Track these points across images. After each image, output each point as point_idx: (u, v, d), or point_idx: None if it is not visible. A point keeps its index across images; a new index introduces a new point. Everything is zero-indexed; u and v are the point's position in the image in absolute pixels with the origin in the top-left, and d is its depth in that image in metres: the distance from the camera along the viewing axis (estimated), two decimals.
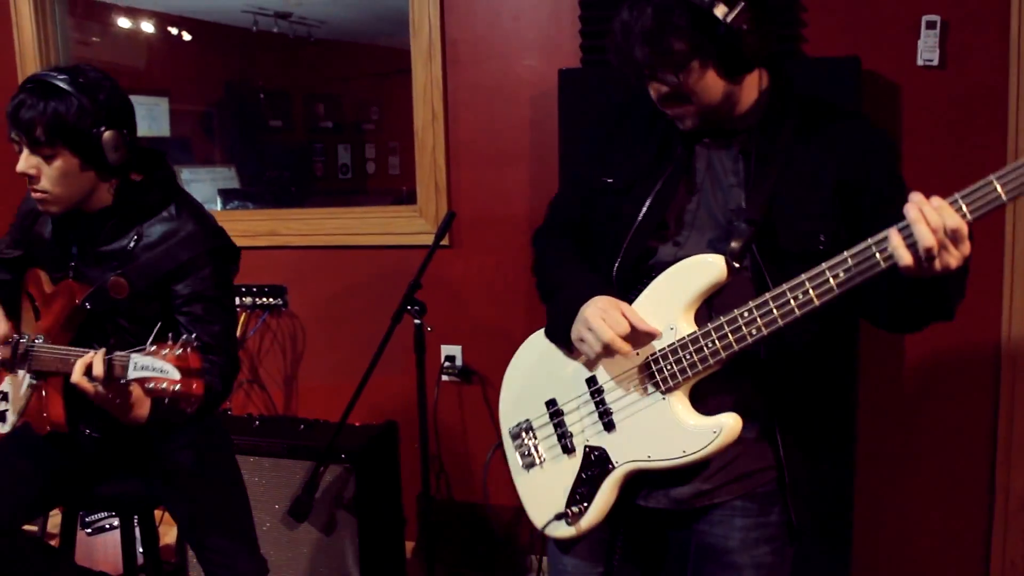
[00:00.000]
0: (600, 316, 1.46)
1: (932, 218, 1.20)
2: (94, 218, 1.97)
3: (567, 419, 1.60)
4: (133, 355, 1.62)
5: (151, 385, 1.59)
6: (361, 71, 6.86)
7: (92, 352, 1.73)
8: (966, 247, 1.23)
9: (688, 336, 1.44)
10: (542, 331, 1.68)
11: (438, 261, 2.52)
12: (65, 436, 1.98)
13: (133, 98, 1.97)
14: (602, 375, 1.56)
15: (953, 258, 1.22)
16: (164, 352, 1.58)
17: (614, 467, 1.53)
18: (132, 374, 1.62)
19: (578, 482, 1.56)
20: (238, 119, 6.83)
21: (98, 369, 1.69)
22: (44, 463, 2.05)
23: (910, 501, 2.60)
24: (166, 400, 1.61)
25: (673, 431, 1.47)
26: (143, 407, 1.78)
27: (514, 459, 1.68)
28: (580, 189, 1.71)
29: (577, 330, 1.51)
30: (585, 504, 1.55)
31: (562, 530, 1.58)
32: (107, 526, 3.04)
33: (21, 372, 2.02)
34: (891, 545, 2.63)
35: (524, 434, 1.66)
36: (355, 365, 2.58)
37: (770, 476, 1.53)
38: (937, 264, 1.22)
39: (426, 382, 2.50)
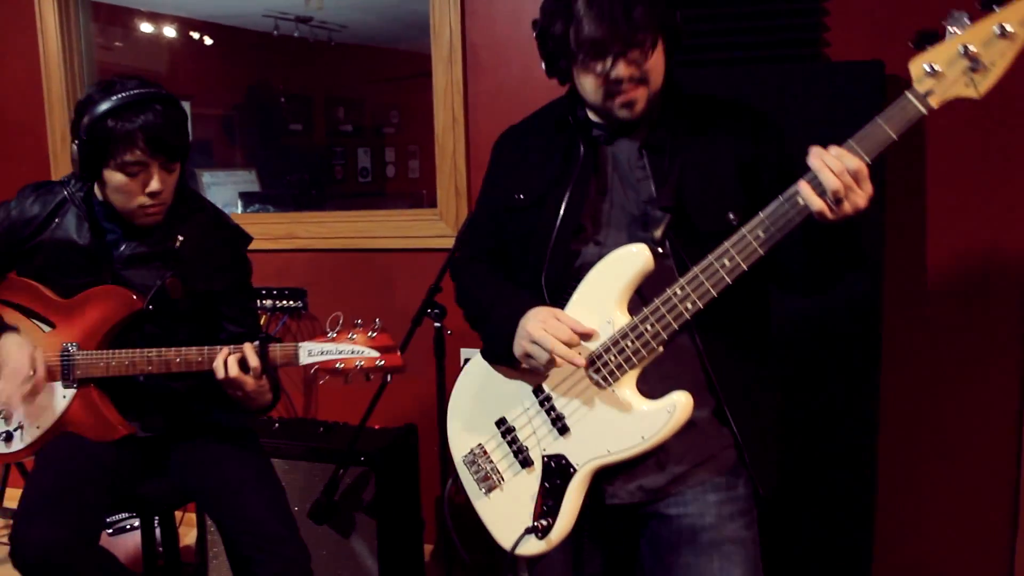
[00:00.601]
0: (542, 327, 1.47)
1: (834, 164, 1.29)
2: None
3: (520, 434, 1.59)
4: (304, 343, 1.83)
5: (340, 366, 1.81)
6: (381, 75, 6.88)
7: (227, 348, 1.86)
8: (869, 186, 1.32)
9: (627, 325, 1.46)
10: (478, 356, 1.69)
11: None
12: (132, 437, 2.00)
13: None
14: (548, 383, 1.57)
15: (860, 197, 1.31)
16: (351, 336, 1.82)
17: (576, 470, 1.52)
18: (306, 359, 1.83)
19: (543, 493, 1.54)
20: (259, 123, 6.87)
21: (255, 361, 1.84)
22: (105, 468, 1.99)
23: (932, 495, 2.57)
24: (368, 376, 1.84)
25: (628, 420, 1.47)
26: (271, 391, 1.95)
27: (472, 487, 1.67)
28: (494, 213, 1.72)
29: (520, 346, 1.51)
30: (553, 515, 1.53)
31: (533, 546, 1.55)
32: (127, 527, 3.06)
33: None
34: (913, 537, 2.61)
35: (479, 459, 1.65)
36: None
37: (731, 453, 1.56)
38: (847, 206, 1.31)
39: (445, 385, 2.50)
